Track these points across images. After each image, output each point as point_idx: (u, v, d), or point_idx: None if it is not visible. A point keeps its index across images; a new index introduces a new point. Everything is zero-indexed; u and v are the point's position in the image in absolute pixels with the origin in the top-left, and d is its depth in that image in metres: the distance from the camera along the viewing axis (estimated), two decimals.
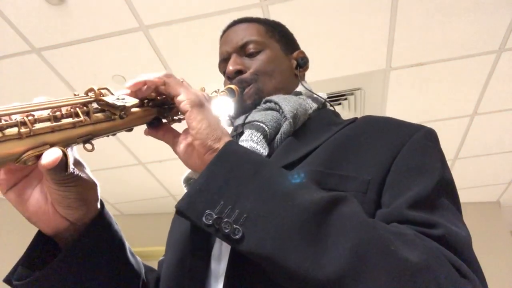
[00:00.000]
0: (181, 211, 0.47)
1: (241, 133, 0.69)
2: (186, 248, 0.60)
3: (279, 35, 0.84)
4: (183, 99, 0.53)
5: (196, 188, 0.48)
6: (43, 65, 2.11)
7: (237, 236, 0.44)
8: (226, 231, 0.45)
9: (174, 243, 0.66)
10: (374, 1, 1.85)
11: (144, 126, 0.58)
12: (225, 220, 0.45)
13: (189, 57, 2.11)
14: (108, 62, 2.12)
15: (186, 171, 0.68)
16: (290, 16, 1.88)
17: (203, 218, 0.46)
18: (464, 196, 3.47)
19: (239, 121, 0.73)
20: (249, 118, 0.71)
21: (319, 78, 2.28)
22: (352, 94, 2.42)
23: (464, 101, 2.48)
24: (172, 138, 0.58)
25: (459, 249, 0.48)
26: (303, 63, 0.84)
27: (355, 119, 0.70)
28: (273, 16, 1.86)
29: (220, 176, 0.48)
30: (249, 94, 0.76)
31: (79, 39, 1.98)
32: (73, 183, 0.47)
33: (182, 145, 0.56)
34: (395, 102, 2.48)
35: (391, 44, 2.08)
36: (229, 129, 0.73)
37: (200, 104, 0.53)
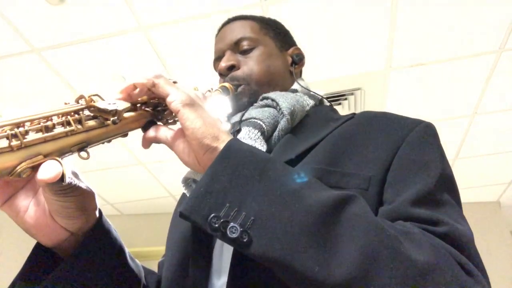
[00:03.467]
0: (185, 215, 0.45)
1: (238, 131, 0.68)
2: (187, 249, 0.60)
3: (274, 32, 0.84)
4: (173, 99, 0.50)
5: (200, 190, 0.46)
6: (43, 65, 2.11)
7: (244, 240, 0.43)
8: (233, 235, 0.43)
9: (174, 244, 0.66)
10: (374, 1, 1.85)
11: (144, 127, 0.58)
12: (232, 223, 0.43)
13: (189, 57, 2.11)
14: (108, 62, 2.12)
15: (185, 171, 0.67)
16: (290, 16, 1.88)
17: (209, 222, 0.44)
18: (464, 196, 3.44)
19: (236, 118, 0.72)
20: (246, 115, 0.70)
21: (319, 78, 2.27)
22: (352, 94, 2.42)
23: (464, 101, 2.48)
24: (167, 137, 0.55)
25: (462, 246, 0.48)
26: (298, 60, 0.84)
27: (353, 115, 0.69)
28: (273, 16, 1.86)
29: (225, 176, 0.46)
30: (244, 92, 0.75)
31: (79, 39, 1.98)
32: (73, 193, 0.46)
33: (179, 145, 0.53)
34: (395, 102, 2.48)
35: (391, 44, 2.08)
36: (226, 126, 0.72)
37: (192, 103, 0.51)
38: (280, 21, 0.89)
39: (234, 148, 0.49)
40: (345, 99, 2.46)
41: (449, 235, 0.48)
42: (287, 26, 0.90)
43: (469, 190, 3.51)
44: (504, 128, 2.73)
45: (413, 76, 2.28)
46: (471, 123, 2.68)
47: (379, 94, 2.42)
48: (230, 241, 0.44)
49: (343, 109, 2.52)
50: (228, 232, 0.43)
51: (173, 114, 0.59)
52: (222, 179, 0.46)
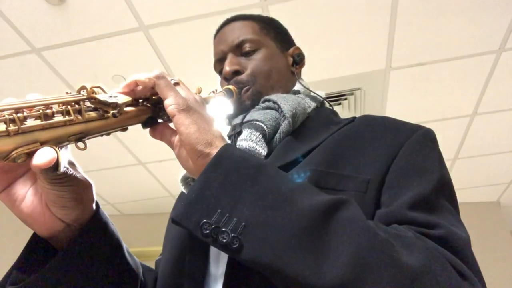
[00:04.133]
0: (176, 221, 0.46)
1: (240, 133, 0.68)
2: (184, 245, 0.60)
3: (274, 32, 0.84)
4: (170, 104, 0.51)
5: (192, 196, 0.46)
6: (43, 65, 2.11)
7: (235, 246, 0.43)
8: (224, 241, 0.43)
9: (171, 239, 0.66)
10: (374, 1, 1.85)
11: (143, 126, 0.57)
12: (223, 229, 0.44)
13: (189, 57, 2.11)
14: (108, 62, 2.12)
15: (184, 171, 0.67)
16: (290, 16, 1.88)
17: (200, 228, 0.44)
18: (464, 196, 3.47)
19: (237, 120, 0.72)
20: (248, 117, 0.70)
21: (319, 78, 2.27)
22: (352, 94, 2.42)
23: (464, 101, 2.48)
24: (169, 138, 0.55)
25: (458, 250, 0.48)
26: (299, 60, 0.84)
27: (353, 119, 0.70)
28: (273, 16, 1.86)
29: (216, 183, 0.47)
30: (248, 95, 0.76)
31: (79, 39, 1.98)
32: (68, 183, 0.46)
33: (177, 148, 0.54)
34: (395, 102, 2.48)
35: (391, 44, 2.07)
36: (227, 129, 0.73)
37: (188, 108, 0.51)
38: (280, 21, 0.89)
39: (226, 154, 0.49)
40: (345, 99, 2.46)
41: (445, 238, 0.48)
42: (287, 26, 0.90)
43: (469, 190, 3.51)
44: (504, 128, 2.73)
45: (413, 76, 2.28)
46: (471, 123, 2.68)
47: (379, 94, 2.42)
48: (221, 246, 0.44)
49: (343, 109, 2.52)
50: (219, 238, 0.44)
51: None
52: (214, 185, 0.47)
